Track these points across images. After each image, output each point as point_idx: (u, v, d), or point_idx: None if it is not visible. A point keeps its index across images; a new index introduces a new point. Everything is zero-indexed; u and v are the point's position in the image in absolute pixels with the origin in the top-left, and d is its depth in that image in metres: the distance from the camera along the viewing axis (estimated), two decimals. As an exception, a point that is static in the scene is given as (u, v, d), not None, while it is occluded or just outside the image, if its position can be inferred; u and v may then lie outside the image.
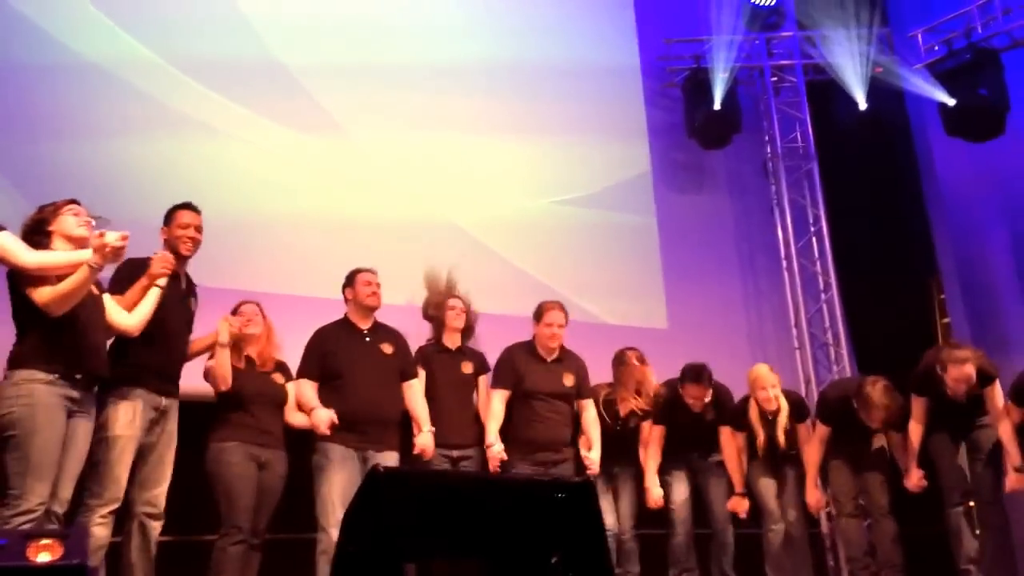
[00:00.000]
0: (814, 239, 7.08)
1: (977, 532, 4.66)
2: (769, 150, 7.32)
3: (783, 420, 4.81)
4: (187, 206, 3.94)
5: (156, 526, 3.69)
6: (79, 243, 3.37)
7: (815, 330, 6.88)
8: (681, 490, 4.96)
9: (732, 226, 7.20)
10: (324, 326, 4.58)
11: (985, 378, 4.47)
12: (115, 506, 3.51)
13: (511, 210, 6.28)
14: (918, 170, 7.42)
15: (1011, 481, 4.45)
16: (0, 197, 4.71)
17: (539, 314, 4.85)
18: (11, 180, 4.83)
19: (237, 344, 4.13)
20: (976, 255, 7.06)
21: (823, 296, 6.94)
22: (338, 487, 4.18)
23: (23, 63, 5.10)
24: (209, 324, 4.24)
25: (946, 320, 7.22)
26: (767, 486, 4.92)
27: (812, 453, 4.82)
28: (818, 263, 7.03)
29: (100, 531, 3.46)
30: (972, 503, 4.74)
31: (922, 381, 4.59)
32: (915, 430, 4.65)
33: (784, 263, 7.02)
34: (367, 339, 4.52)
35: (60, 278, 3.24)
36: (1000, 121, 6.27)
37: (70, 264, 3.23)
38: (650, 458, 4.89)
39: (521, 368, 4.75)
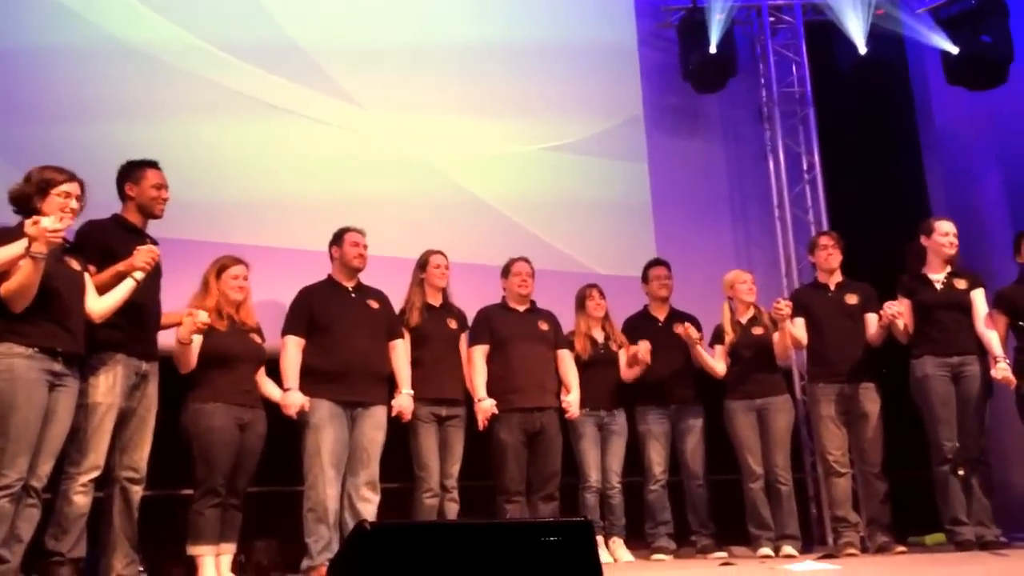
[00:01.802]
0: (808, 187, 6.96)
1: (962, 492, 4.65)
2: (764, 94, 7.15)
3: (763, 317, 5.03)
4: (155, 164, 3.81)
5: (137, 490, 3.66)
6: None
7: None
8: (659, 447, 5.10)
9: (725, 173, 7.06)
10: (308, 285, 4.54)
11: (973, 283, 4.74)
12: (96, 474, 3.47)
13: (500, 158, 6.11)
14: (915, 116, 7.27)
15: (997, 373, 4.49)
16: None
17: (506, 269, 5.06)
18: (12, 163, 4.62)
19: (217, 306, 4.05)
20: (970, 201, 6.98)
21: (815, 246, 6.83)
22: (327, 446, 4.21)
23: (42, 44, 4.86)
24: (191, 279, 4.17)
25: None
26: (747, 436, 4.92)
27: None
28: (811, 212, 6.92)
29: (80, 499, 3.42)
30: (959, 462, 4.72)
31: (906, 280, 4.82)
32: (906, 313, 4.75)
33: (777, 212, 6.92)
34: (352, 295, 4.52)
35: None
36: (1003, 70, 6.12)
37: (9, 259, 3.09)
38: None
39: (495, 320, 4.89)
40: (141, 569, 3.77)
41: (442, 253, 4.87)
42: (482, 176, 6.00)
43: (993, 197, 6.93)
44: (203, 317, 3.84)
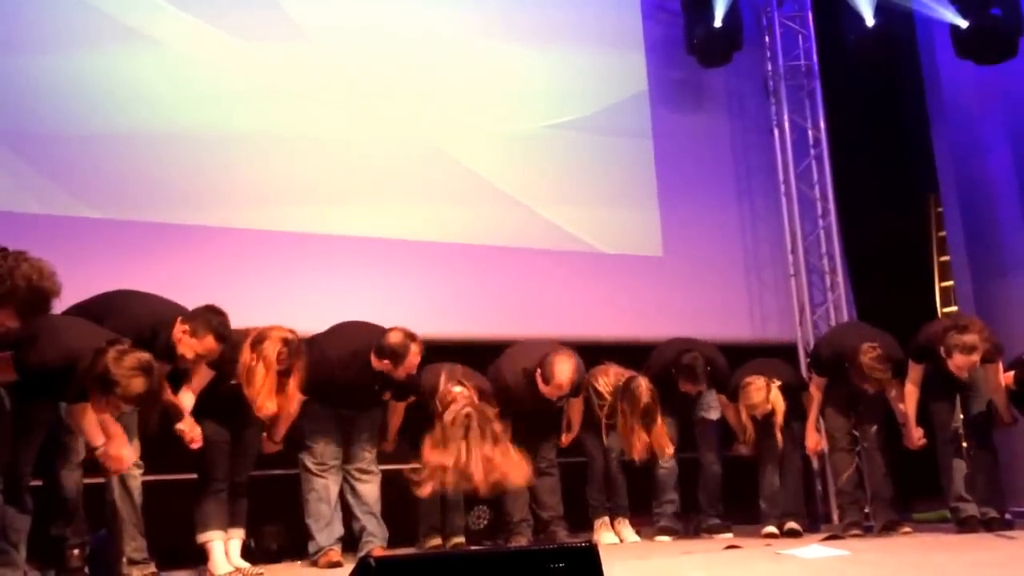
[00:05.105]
0: (814, 163, 6.88)
1: (967, 471, 4.65)
2: (770, 68, 7.04)
3: (779, 420, 4.73)
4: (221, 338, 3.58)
5: (136, 473, 3.64)
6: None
7: (811, 256, 6.77)
8: (672, 426, 4.98)
9: (730, 148, 6.99)
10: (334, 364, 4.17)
11: (988, 357, 4.38)
12: (83, 454, 3.45)
13: (501, 135, 6.06)
14: (923, 89, 7.17)
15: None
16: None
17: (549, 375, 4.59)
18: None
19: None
20: (977, 172, 6.91)
21: (821, 222, 6.77)
22: (325, 434, 4.21)
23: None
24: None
25: (942, 234, 7.13)
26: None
27: (811, 398, 4.83)
28: (817, 188, 6.84)
29: (74, 474, 3.42)
30: (964, 442, 4.73)
31: (922, 352, 4.51)
32: (911, 393, 4.56)
33: (783, 187, 6.83)
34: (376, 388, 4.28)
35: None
36: (1013, 44, 6.01)
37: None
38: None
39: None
40: (147, 557, 3.76)
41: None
42: (484, 154, 5.95)
43: (1002, 171, 6.85)
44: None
